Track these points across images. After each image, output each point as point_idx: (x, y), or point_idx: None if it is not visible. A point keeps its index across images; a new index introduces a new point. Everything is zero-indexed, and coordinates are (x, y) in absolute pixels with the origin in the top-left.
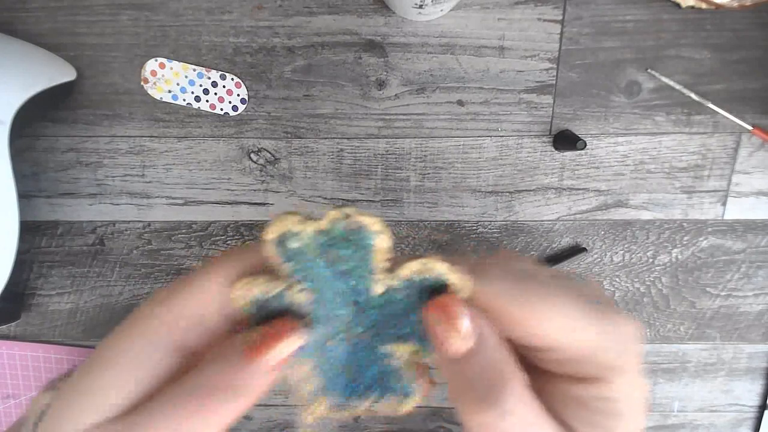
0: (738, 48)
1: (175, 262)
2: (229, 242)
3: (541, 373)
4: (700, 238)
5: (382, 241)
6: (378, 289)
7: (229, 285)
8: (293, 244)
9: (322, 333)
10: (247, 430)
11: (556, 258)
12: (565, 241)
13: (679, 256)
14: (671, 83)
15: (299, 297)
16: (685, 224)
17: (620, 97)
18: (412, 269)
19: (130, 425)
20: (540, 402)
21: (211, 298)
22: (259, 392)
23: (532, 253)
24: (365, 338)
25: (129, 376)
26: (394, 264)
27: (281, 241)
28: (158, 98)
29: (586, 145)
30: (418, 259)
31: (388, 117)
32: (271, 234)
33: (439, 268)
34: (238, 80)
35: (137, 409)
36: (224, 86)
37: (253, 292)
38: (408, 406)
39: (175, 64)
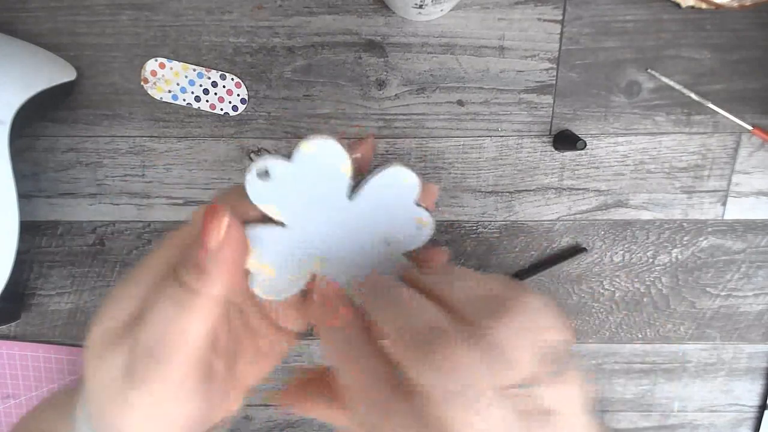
0: (738, 48)
1: None
2: None
3: None
4: (700, 238)
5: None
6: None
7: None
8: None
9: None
10: (247, 430)
11: (556, 258)
12: (565, 241)
13: (679, 256)
14: (671, 83)
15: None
16: (685, 224)
17: (620, 97)
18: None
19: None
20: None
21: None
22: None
23: (532, 253)
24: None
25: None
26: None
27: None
28: (158, 98)
29: (586, 145)
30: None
31: (388, 117)
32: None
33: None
34: (238, 80)
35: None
36: (224, 86)
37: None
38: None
39: (175, 64)
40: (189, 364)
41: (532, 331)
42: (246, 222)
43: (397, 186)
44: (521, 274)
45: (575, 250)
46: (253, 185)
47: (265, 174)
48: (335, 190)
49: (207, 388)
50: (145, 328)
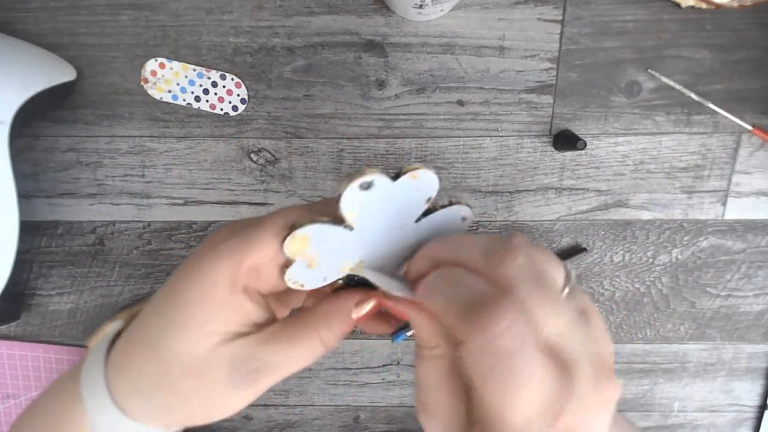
0: (738, 48)
1: (176, 262)
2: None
3: None
4: (700, 238)
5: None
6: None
7: (281, 237)
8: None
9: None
10: (247, 430)
11: None
12: (565, 241)
13: (679, 256)
14: (671, 83)
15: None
16: (685, 224)
17: (620, 97)
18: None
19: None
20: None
21: (267, 251)
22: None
23: None
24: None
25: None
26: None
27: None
28: (158, 98)
29: (586, 145)
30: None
31: (388, 117)
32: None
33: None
34: (238, 80)
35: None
36: (224, 86)
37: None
38: None
39: (175, 64)
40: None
41: (544, 254)
42: (314, 219)
43: (455, 218)
44: None
45: (575, 250)
46: (352, 192)
47: (367, 186)
48: (410, 212)
49: None
50: (276, 354)
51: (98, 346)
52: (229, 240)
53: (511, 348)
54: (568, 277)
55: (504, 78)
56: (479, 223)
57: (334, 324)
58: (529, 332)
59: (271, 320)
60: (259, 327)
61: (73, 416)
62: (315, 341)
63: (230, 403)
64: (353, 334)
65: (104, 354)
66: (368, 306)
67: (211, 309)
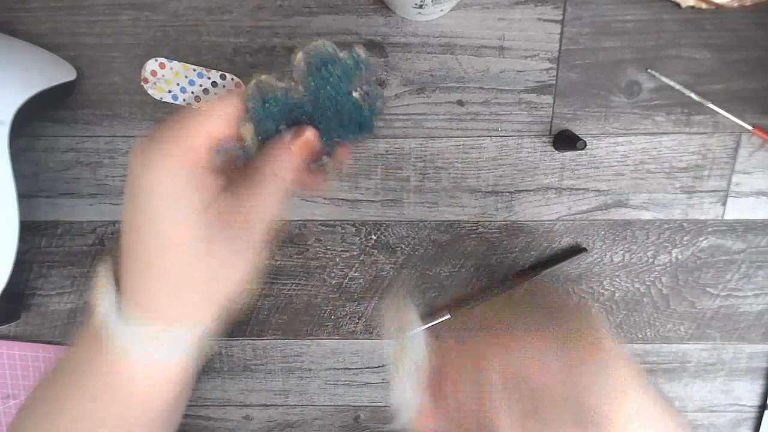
0: (738, 48)
1: None
2: None
3: None
4: (700, 238)
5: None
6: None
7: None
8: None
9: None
10: (247, 430)
11: (556, 258)
12: (565, 241)
13: (679, 256)
14: (671, 83)
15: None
16: (685, 224)
17: (620, 97)
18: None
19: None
20: None
21: (218, 123)
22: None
23: (532, 253)
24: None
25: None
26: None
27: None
28: (158, 98)
29: (586, 145)
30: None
31: (388, 117)
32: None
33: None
34: (238, 80)
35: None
36: (224, 86)
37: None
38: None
39: (175, 64)
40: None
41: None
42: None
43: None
44: (521, 274)
45: (575, 250)
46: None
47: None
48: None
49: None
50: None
51: (101, 291)
52: (168, 135)
53: None
54: None
55: (504, 78)
56: (479, 223)
57: (278, 156)
58: None
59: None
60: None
61: (99, 361)
62: (267, 176)
63: (226, 259)
64: (353, 334)
65: (113, 292)
66: (303, 136)
67: (181, 203)
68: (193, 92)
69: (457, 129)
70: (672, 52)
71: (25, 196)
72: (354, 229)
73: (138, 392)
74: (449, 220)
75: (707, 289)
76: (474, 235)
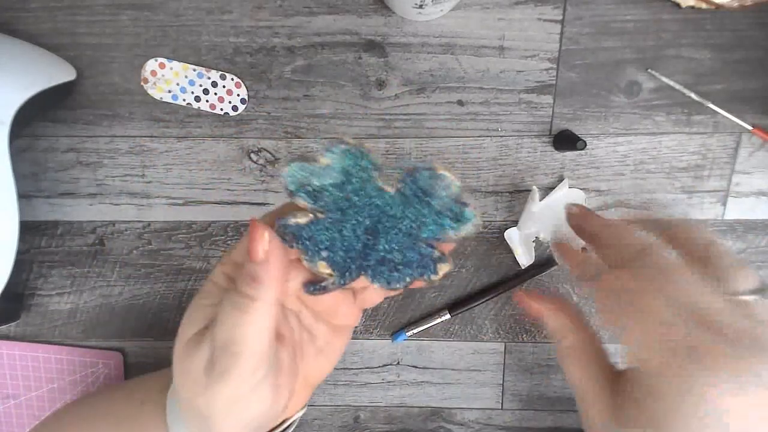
0: (738, 48)
1: (175, 262)
2: (229, 242)
3: None
4: None
5: (375, 158)
6: (388, 188)
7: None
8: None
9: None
10: None
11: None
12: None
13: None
14: (671, 83)
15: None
16: None
17: (620, 97)
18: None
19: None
20: None
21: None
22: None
23: None
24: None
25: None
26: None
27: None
28: (158, 98)
29: (586, 145)
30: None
31: (388, 117)
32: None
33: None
34: (238, 80)
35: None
36: (224, 86)
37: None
38: (442, 270)
39: (175, 64)
40: (257, 356)
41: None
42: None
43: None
44: (521, 274)
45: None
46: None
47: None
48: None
49: (275, 378)
50: (219, 329)
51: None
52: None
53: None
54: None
55: (504, 78)
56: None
57: (250, 271)
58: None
59: None
60: None
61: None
62: (243, 299)
63: (216, 400)
64: (353, 334)
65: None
66: (264, 237)
67: None
68: (193, 92)
69: (457, 129)
70: (672, 52)
71: (25, 196)
72: None
73: None
74: None
75: None
76: (474, 235)
